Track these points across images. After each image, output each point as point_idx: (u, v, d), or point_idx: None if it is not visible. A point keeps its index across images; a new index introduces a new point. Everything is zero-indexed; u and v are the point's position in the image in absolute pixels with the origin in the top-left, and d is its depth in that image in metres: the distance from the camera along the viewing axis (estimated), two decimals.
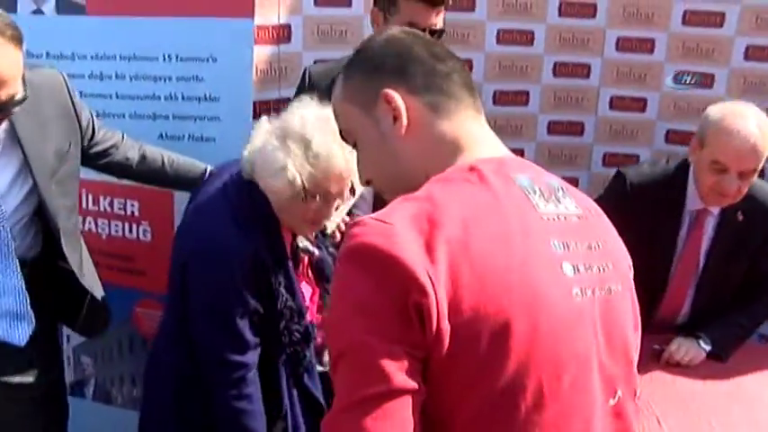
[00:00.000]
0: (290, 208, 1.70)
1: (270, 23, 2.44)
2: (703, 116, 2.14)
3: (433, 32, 2.17)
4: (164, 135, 2.35)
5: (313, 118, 1.67)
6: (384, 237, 0.84)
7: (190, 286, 1.71)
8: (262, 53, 2.41)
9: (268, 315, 1.72)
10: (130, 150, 2.11)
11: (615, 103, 3.06)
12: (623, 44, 2.99)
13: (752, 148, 2.01)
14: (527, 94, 3.09)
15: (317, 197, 1.68)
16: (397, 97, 1.01)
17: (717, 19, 2.89)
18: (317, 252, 1.93)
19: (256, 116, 2.46)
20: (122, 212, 2.46)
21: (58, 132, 1.87)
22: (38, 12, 2.40)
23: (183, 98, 2.32)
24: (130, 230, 2.48)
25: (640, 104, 3.05)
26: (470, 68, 2.99)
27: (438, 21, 2.20)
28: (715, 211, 2.21)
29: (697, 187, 2.16)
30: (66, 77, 1.95)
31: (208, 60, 2.29)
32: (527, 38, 3.00)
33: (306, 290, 1.88)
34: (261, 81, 2.40)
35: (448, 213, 0.88)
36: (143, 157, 2.12)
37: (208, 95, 2.31)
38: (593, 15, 2.97)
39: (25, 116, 1.77)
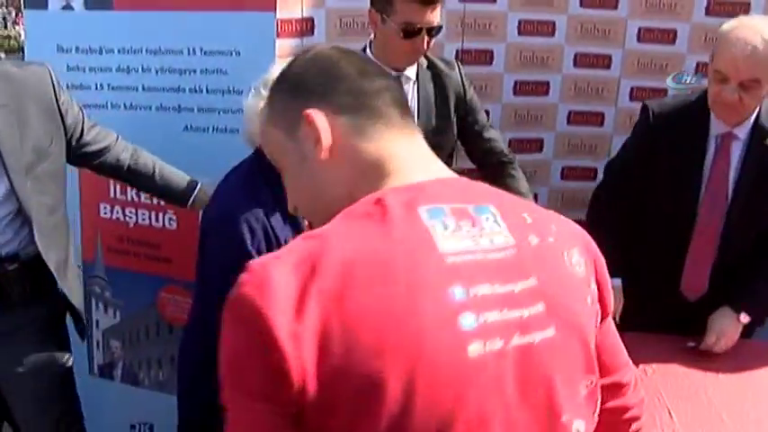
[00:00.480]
0: None
1: (293, 17, 2.48)
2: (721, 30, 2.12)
3: (430, 30, 2.19)
4: (189, 127, 2.41)
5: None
6: (258, 290, 0.80)
7: (205, 254, 1.77)
8: (285, 46, 2.44)
9: None
10: (123, 153, 2.15)
11: (636, 94, 3.05)
12: (644, 35, 2.98)
13: (748, 56, 1.98)
14: (547, 84, 3.09)
15: None
16: (319, 118, 0.94)
17: (741, 8, 2.87)
18: None
19: None
20: (149, 201, 2.53)
21: (38, 128, 1.89)
22: (67, 7, 2.46)
23: (207, 91, 2.37)
24: (157, 219, 2.54)
25: (660, 95, 3.04)
26: (491, 60, 3.01)
27: (435, 18, 2.20)
28: (741, 135, 2.16)
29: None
30: (54, 74, 1.98)
31: (231, 54, 2.34)
32: (548, 29, 3.00)
33: None
34: None
35: (333, 258, 0.81)
36: (135, 162, 2.16)
37: (231, 88, 2.35)
38: (615, 7, 2.96)
39: (2, 111, 1.80)
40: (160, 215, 2.54)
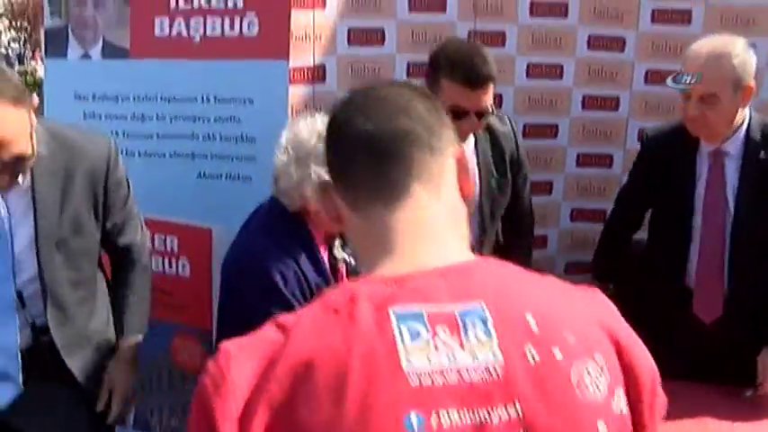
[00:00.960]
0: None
1: (305, 65, 2.51)
2: None
3: (479, 114, 2.11)
4: (202, 174, 2.43)
5: (312, 131, 1.76)
6: (214, 387, 0.78)
7: (238, 302, 1.77)
8: (297, 93, 2.47)
9: None
10: (128, 258, 2.03)
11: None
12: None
13: (701, 68, 2.04)
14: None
15: None
16: (333, 189, 0.93)
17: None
18: (353, 261, 1.99)
19: None
20: (162, 248, 2.53)
21: (81, 201, 1.82)
22: (85, 56, 2.52)
23: (220, 138, 2.40)
24: (170, 266, 2.55)
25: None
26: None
27: (483, 102, 2.09)
28: (733, 150, 2.17)
29: None
30: (115, 149, 1.91)
31: (245, 102, 2.37)
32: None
33: None
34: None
35: (290, 359, 0.76)
36: (126, 274, 2.04)
37: (244, 136, 2.38)
38: (622, 50, 3.00)
39: (48, 177, 1.75)
40: (173, 261, 2.55)
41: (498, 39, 3.00)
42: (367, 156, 0.87)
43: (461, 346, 0.77)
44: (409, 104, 0.91)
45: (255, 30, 2.33)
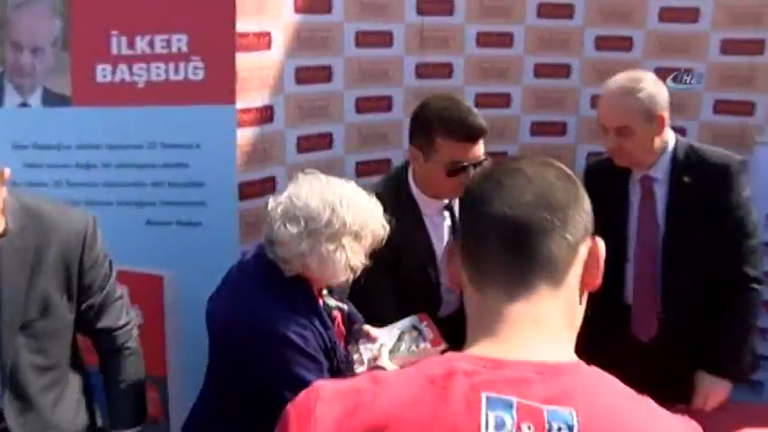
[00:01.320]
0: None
1: (253, 106, 2.50)
2: None
3: (476, 165, 2.11)
4: (151, 221, 2.39)
5: (347, 204, 1.74)
6: (297, 417, 0.82)
7: (252, 366, 1.75)
8: (246, 135, 2.46)
9: (331, 371, 1.81)
10: (114, 345, 1.92)
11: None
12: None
13: (610, 107, 2.18)
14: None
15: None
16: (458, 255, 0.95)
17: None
18: (346, 308, 2.01)
19: (242, 198, 2.51)
20: None
21: (52, 280, 1.71)
22: (24, 105, 2.45)
23: (168, 185, 2.36)
24: None
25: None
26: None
27: (479, 151, 2.10)
28: (659, 175, 2.28)
29: None
30: (93, 228, 1.81)
31: (192, 147, 2.34)
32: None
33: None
34: (246, 162, 2.45)
35: (370, 417, 0.79)
36: (114, 363, 1.93)
37: (193, 181, 2.35)
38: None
39: (16, 254, 1.65)
40: None
41: (445, 70, 3.05)
42: (499, 242, 0.88)
43: None
44: (551, 190, 0.90)
45: (201, 74, 2.32)
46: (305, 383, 1.65)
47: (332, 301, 1.95)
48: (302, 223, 1.72)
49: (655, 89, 2.20)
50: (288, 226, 1.72)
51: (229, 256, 2.37)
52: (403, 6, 2.93)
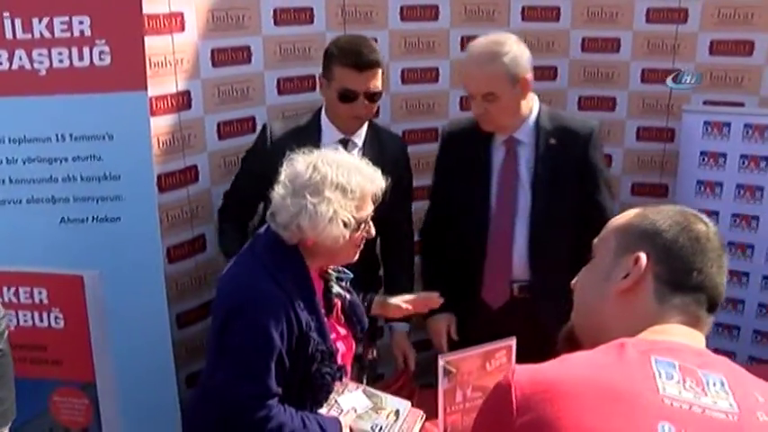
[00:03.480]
0: (347, 245, 1.86)
1: (168, 92, 2.43)
2: None
3: (369, 95, 2.33)
4: (65, 219, 2.30)
5: (331, 163, 1.84)
6: (500, 391, 1.03)
7: (226, 338, 1.81)
8: (162, 124, 2.40)
9: (300, 359, 1.83)
10: None
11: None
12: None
13: (475, 73, 2.25)
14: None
15: (363, 223, 1.88)
16: (644, 263, 1.13)
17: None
18: (348, 296, 2.03)
19: (162, 190, 2.45)
20: (30, 301, 2.39)
21: None
22: None
23: (81, 179, 2.28)
24: (41, 319, 2.40)
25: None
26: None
27: (372, 84, 2.34)
28: (524, 138, 2.36)
29: None
30: None
31: (104, 138, 2.26)
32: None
33: (340, 332, 2.01)
34: (164, 152, 2.39)
35: (568, 380, 1.00)
36: None
37: (108, 174, 2.27)
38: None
39: None
40: (44, 314, 2.41)
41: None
42: (708, 303, 1.14)
43: (704, 393, 0.98)
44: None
45: (108, 59, 2.22)
46: (255, 368, 1.73)
47: (335, 288, 1.99)
48: (288, 185, 1.83)
49: (518, 51, 2.27)
50: (278, 189, 1.84)
51: (152, 252, 2.33)
52: None
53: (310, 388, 1.88)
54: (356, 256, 1.94)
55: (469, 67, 2.28)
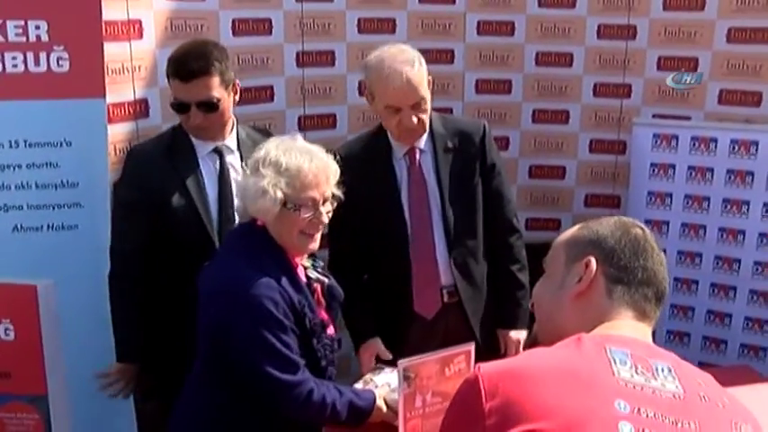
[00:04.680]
0: (286, 224, 1.92)
1: (125, 100, 2.46)
2: (363, 67, 2.41)
3: (200, 104, 2.27)
4: (18, 227, 2.30)
5: (277, 145, 1.95)
6: (469, 382, 1.15)
7: (224, 329, 1.87)
8: (119, 132, 2.42)
9: (302, 334, 1.94)
10: None
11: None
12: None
13: (406, 83, 2.27)
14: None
15: (303, 206, 1.92)
16: (594, 266, 1.27)
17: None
18: (327, 280, 2.11)
19: None
20: None
21: None
22: None
23: (36, 186, 2.29)
24: None
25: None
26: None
27: (204, 92, 2.27)
28: (425, 147, 2.45)
29: (390, 133, 2.42)
30: None
31: (61, 145, 2.28)
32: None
33: (324, 316, 2.09)
34: (121, 161, 2.41)
35: (531, 367, 1.12)
36: None
37: (65, 182, 2.29)
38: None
39: None
40: None
41: (328, 57, 3.12)
42: (654, 298, 1.27)
43: (654, 377, 1.12)
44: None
45: (66, 65, 2.25)
46: (274, 348, 1.84)
47: (313, 273, 2.08)
48: (261, 170, 1.91)
49: (420, 57, 2.36)
50: (248, 177, 1.94)
51: (108, 261, 2.34)
52: None
53: (314, 362, 1.97)
54: (311, 246, 1.99)
55: (399, 80, 2.27)
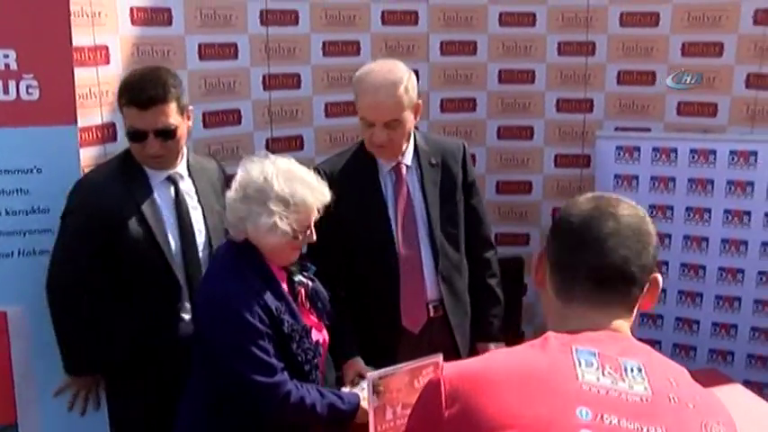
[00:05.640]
0: (285, 249, 2.09)
1: (93, 124, 2.53)
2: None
3: (158, 133, 2.24)
4: None
5: (277, 174, 2.04)
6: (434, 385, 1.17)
7: (207, 337, 2.04)
8: (88, 156, 2.48)
9: (280, 339, 2.05)
10: None
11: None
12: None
13: (384, 101, 2.33)
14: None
15: (302, 233, 2.09)
16: (538, 256, 1.32)
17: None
18: (310, 283, 2.23)
19: None
20: None
21: None
22: None
23: (7, 213, 2.33)
24: None
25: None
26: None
27: (162, 120, 2.23)
28: (410, 163, 2.51)
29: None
30: None
31: (32, 171, 2.33)
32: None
33: (312, 320, 2.21)
34: None
35: (492, 370, 1.13)
36: None
37: (36, 208, 2.34)
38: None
39: None
40: None
41: (293, 80, 3.21)
42: (587, 280, 1.22)
43: (622, 378, 1.11)
44: (635, 235, 1.23)
45: (36, 93, 2.31)
46: (251, 353, 1.97)
47: (298, 278, 2.20)
48: (240, 189, 2.04)
49: (412, 77, 2.41)
50: (231, 192, 2.06)
51: None
52: (246, 18, 3.07)
53: (295, 366, 2.07)
54: (296, 256, 2.15)
55: (373, 95, 2.33)
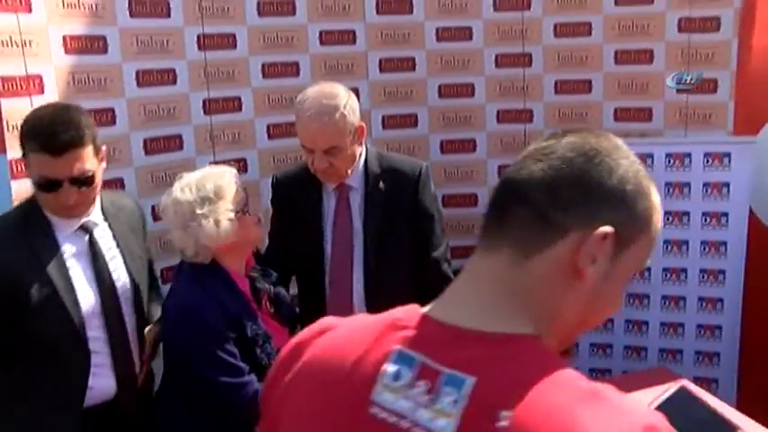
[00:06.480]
0: (245, 227, 2.25)
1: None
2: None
3: (74, 181, 2.06)
4: None
5: (185, 187, 2.22)
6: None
7: (177, 343, 2.19)
8: (21, 188, 2.46)
9: (244, 343, 2.19)
10: None
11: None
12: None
13: (320, 130, 2.30)
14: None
15: (244, 206, 2.26)
16: None
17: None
18: (272, 289, 2.39)
19: None
20: None
21: None
22: None
23: None
24: None
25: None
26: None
27: (77, 168, 2.04)
28: (355, 184, 2.50)
29: None
30: None
31: None
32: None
33: (274, 325, 2.35)
34: None
35: (309, 352, 1.01)
36: None
37: None
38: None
39: None
40: None
41: (235, 104, 3.23)
42: (491, 202, 0.96)
43: (428, 404, 0.84)
44: (567, 165, 0.92)
45: None
46: (216, 356, 2.12)
47: (261, 284, 2.35)
48: (170, 221, 2.23)
49: (352, 101, 2.38)
50: (173, 233, 2.24)
51: None
52: (183, 43, 3.08)
53: (260, 369, 2.18)
54: (259, 233, 2.32)
55: (309, 123, 2.30)
